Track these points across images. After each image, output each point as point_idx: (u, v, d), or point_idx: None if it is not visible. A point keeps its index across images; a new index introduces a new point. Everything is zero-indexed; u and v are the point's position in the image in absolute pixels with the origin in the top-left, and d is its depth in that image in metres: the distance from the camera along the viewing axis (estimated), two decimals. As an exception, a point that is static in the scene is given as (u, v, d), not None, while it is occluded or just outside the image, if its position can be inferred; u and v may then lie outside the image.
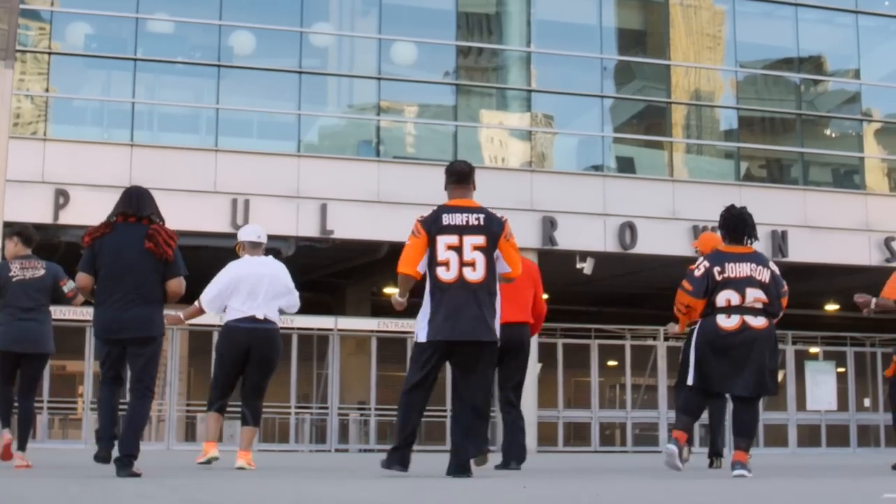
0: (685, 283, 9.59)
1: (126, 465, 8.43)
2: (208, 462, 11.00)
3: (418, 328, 8.89)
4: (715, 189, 27.45)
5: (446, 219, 8.86)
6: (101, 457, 8.84)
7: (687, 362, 10.04)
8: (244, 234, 11.46)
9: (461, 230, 8.84)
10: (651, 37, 30.40)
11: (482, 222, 8.90)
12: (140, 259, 8.64)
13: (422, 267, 8.86)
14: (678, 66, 29.11)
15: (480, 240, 8.85)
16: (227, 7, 26.23)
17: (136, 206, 8.81)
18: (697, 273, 9.52)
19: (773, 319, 9.50)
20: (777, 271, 9.58)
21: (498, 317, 8.97)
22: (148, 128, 26.18)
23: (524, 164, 27.51)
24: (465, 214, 8.90)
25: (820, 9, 30.49)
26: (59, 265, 11.01)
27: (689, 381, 9.67)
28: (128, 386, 8.99)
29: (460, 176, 9.14)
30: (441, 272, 8.80)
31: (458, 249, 8.81)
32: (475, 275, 8.83)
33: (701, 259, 9.73)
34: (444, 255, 8.81)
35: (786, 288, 9.55)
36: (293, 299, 11.34)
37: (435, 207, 8.99)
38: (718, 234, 10.12)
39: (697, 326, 9.63)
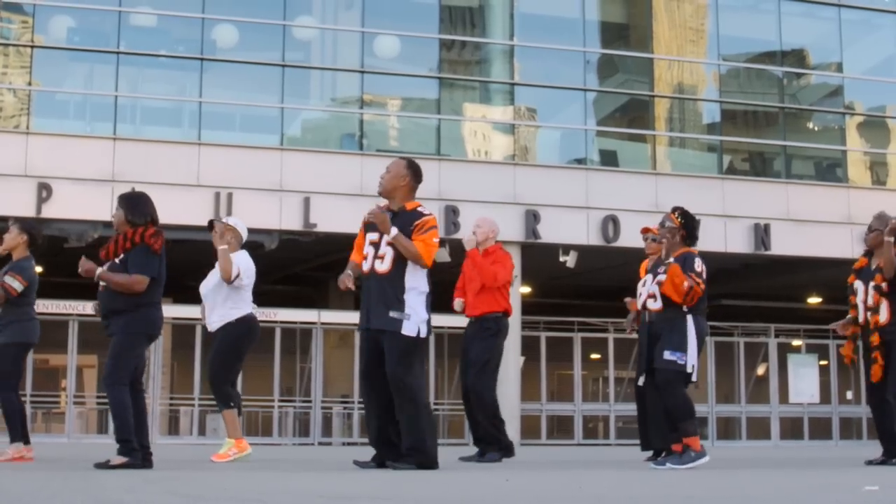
0: (701, 280, 9.67)
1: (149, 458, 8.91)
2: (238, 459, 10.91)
3: (418, 322, 8.84)
4: (698, 182, 27.47)
5: None
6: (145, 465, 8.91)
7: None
8: (245, 230, 11.34)
9: None
10: (634, 30, 30.41)
11: None
12: None
13: None
14: (661, 59, 29.13)
15: None
16: (209, 0, 26.19)
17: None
18: (702, 270, 9.73)
19: None
20: None
21: None
22: (131, 121, 26.11)
23: (507, 157, 27.50)
24: None
25: (803, 2, 30.52)
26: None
27: (692, 372, 9.66)
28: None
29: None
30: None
31: None
32: None
33: (698, 258, 9.79)
34: None
35: None
36: None
37: (428, 210, 9.07)
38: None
39: (694, 320, 9.64)
